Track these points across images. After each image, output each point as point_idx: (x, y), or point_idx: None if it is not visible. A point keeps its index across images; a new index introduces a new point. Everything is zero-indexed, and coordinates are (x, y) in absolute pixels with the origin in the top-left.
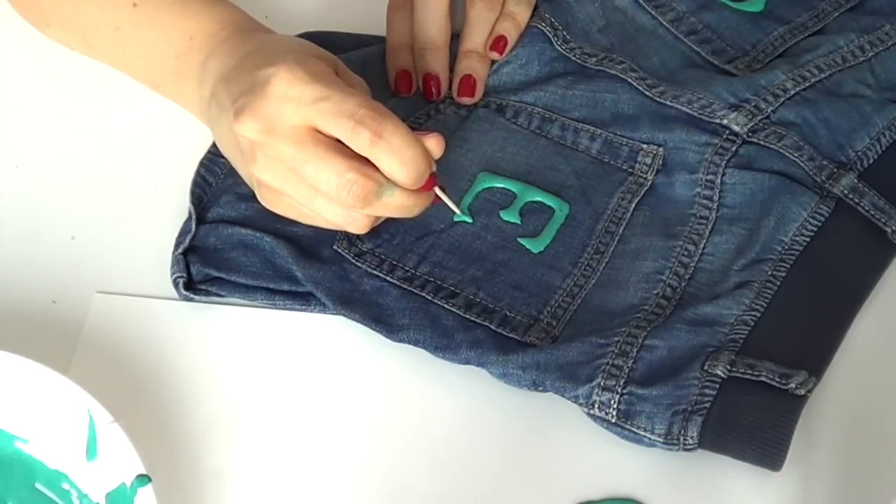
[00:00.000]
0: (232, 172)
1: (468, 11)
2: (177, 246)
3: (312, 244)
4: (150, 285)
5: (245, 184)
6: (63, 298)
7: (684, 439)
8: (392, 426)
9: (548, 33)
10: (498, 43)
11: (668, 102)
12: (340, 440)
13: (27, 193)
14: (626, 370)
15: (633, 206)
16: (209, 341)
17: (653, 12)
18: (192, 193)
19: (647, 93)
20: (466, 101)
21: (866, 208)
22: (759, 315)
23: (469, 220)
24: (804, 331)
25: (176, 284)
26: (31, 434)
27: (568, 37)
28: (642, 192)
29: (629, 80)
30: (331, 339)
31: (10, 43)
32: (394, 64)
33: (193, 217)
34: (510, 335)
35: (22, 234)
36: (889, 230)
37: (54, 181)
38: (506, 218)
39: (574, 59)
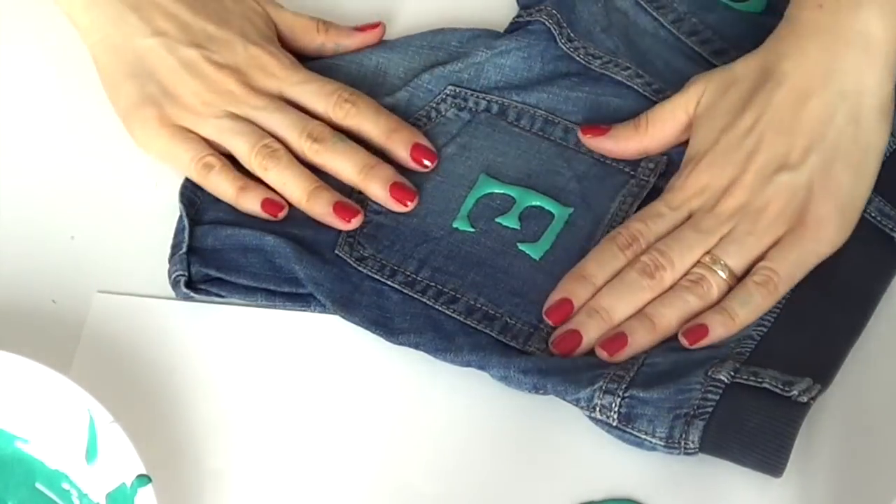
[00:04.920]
0: None
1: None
2: (176, 245)
3: (313, 248)
4: (150, 285)
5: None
6: (63, 298)
7: (685, 443)
8: (392, 426)
9: (553, 30)
10: (696, 333)
11: None
12: (340, 440)
13: (27, 193)
14: (629, 378)
15: (635, 209)
16: (209, 341)
17: (654, 13)
18: (182, 195)
19: (654, 98)
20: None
21: (872, 215)
22: (765, 330)
23: (471, 228)
24: (810, 339)
25: (176, 283)
26: (32, 434)
27: (572, 35)
28: (644, 195)
29: (635, 86)
30: (331, 339)
31: (11, 43)
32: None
33: (185, 215)
34: (510, 343)
35: (22, 234)
36: None
37: (54, 181)
38: (505, 223)
39: (578, 59)
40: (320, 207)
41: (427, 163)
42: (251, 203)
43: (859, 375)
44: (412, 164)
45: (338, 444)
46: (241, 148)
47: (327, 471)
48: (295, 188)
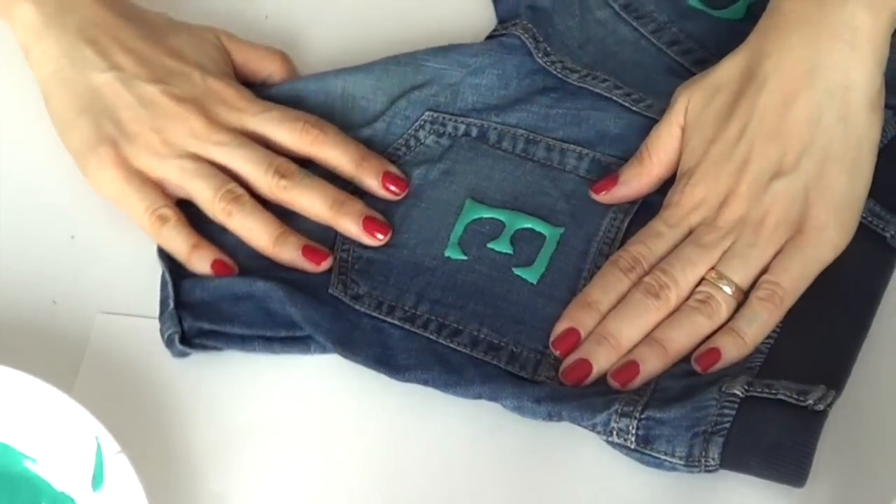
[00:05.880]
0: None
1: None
2: (163, 301)
3: (306, 289)
4: (151, 286)
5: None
6: (63, 299)
7: (706, 461)
8: (398, 449)
9: (529, 44)
10: (708, 357)
11: (656, 116)
12: (343, 466)
13: (27, 193)
14: (644, 400)
15: (626, 224)
16: (213, 364)
17: (634, 23)
18: (160, 251)
19: (634, 108)
20: (615, 384)
21: (864, 215)
22: (772, 342)
23: (464, 256)
24: (818, 346)
25: (171, 341)
26: (40, 454)
27: (549, 49)
28: (634, 210)
29: (614, 97)
30: (334, 365)
31: (11, 42)
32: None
33: (166, 271)
34: (520, 374)
35: (22, 234)
36: (888, 235)
37: (54, 181)
38: (497, 248)
39: (555, 73)
40: (288, 253)
41: (397, 191)
42: (201, 264)
43: (859, 376)
44: (382, 192)
45: (340, 471)
46: (203, 192)
47: (330, 496)
48: (261, 235)
